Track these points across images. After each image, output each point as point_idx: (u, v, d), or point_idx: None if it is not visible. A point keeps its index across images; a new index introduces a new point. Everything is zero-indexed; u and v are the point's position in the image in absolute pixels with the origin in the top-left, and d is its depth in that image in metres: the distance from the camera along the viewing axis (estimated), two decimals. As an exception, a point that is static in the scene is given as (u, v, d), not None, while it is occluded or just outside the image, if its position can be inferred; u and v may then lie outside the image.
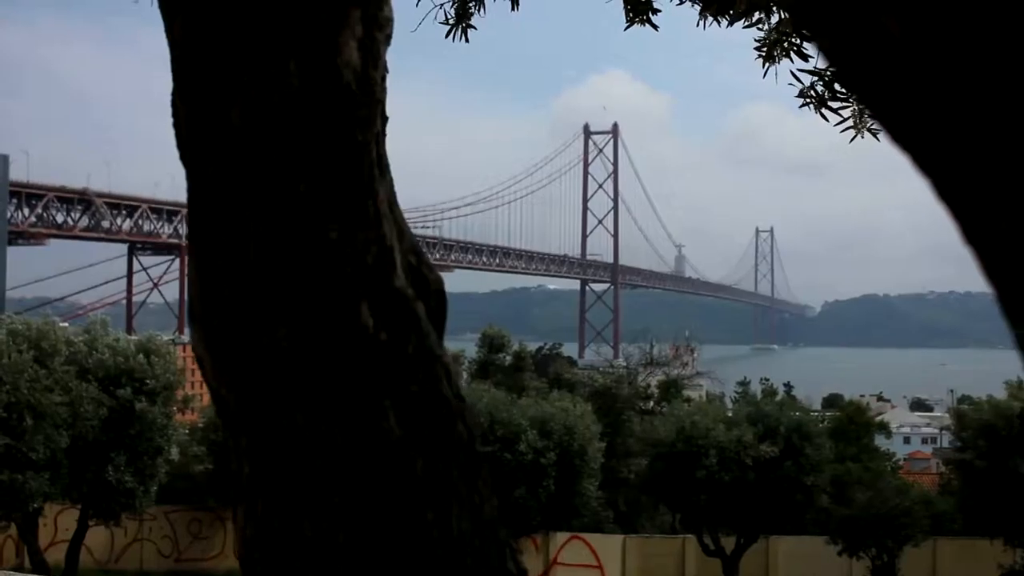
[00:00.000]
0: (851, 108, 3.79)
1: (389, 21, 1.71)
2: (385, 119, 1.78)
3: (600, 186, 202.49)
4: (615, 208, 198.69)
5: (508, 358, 39.94)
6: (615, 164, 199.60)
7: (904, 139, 0.72)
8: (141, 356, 26.59)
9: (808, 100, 3.87)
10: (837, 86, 3.68)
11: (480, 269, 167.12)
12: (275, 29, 1.57)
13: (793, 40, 3.90)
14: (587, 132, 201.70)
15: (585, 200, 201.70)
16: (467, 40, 4.36)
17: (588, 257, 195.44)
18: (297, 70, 1.58)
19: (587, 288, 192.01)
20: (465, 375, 38.00)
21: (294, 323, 1.57)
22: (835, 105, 3.80)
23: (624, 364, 56.64)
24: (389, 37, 1.71)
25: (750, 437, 29.32)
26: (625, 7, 4.30)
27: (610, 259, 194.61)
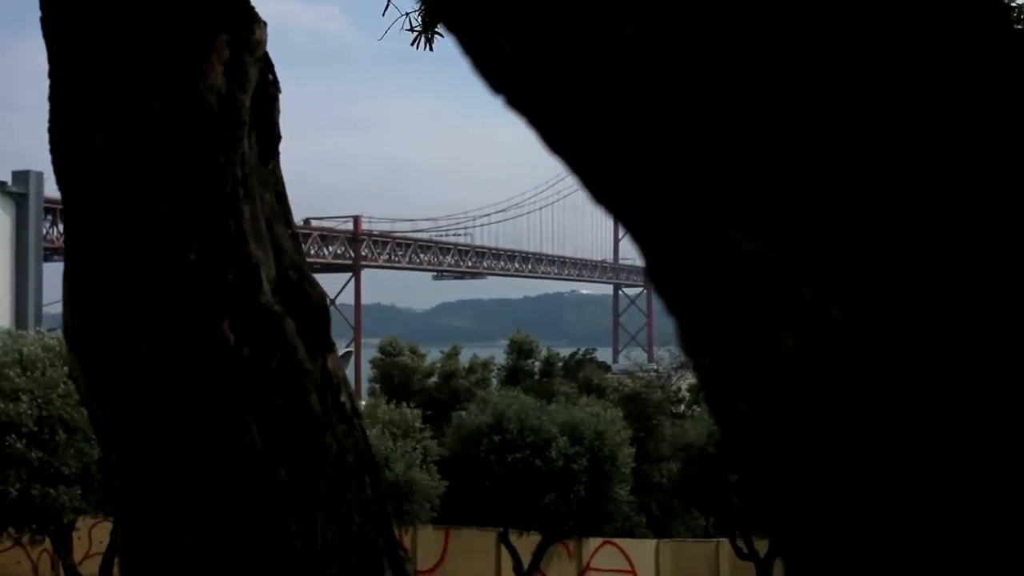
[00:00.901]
0: None
1: (260, 44, 1.75)
2: (276, 137, 1.82)
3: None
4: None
5: (537, 364, 39.94)
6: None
7: (567, 161, 0.74)
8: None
9: None
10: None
11: (513, 275, 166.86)
12: (140, 57, 1.62)
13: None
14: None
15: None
16: (431, 49, 4.34)
17: (620, 261, 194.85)
18: (159, 95, 1.62)
19: (620, 292, 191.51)
20: (495, 382, 38.04)
21: (155, 341, 1.62)
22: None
23: (655, 368, 56.26)
24: (261, 59, 1.75)
25: (781, 439, 29.07)
26: None
27: (642, 263, 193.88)
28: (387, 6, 4.17)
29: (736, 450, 0.68)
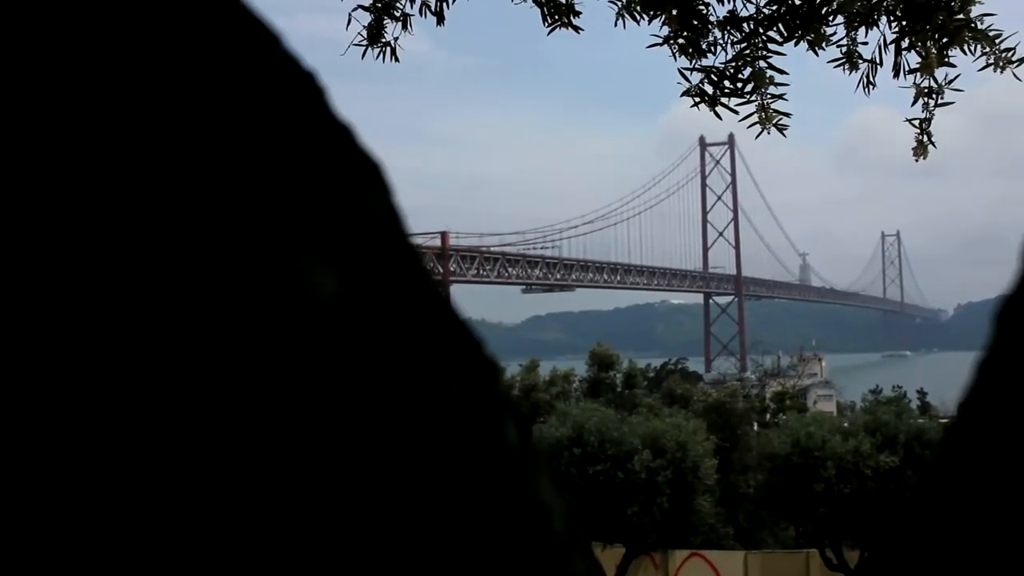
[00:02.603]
0: (756, 103, 3.56)
1: None
2: None
3: (719, 198, 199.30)
4: (735, 219, 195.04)
5: (619, 376, 39.82)
6: (733, 175, 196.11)
7: None
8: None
9: (697, 99, 3.57)
10: (727, 83, 3.54)
11: (602, 287, 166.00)
12: None
13: (685, 36, 3.63)
14: (703, 144, 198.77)
15: (704, 212, 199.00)
16: (396, 60, 4.00)
17: (710, 270, 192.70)
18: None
19: (711, 301, 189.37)
20: (576, 394, 37.98)
21: None
22: (732, 102, 3.55)
23: (751, 375, 55.59)
24: None
25: (868, 447, 28.50)
26: (541, 9, 3.95)
27: (732, 271, 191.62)
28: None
29: None
